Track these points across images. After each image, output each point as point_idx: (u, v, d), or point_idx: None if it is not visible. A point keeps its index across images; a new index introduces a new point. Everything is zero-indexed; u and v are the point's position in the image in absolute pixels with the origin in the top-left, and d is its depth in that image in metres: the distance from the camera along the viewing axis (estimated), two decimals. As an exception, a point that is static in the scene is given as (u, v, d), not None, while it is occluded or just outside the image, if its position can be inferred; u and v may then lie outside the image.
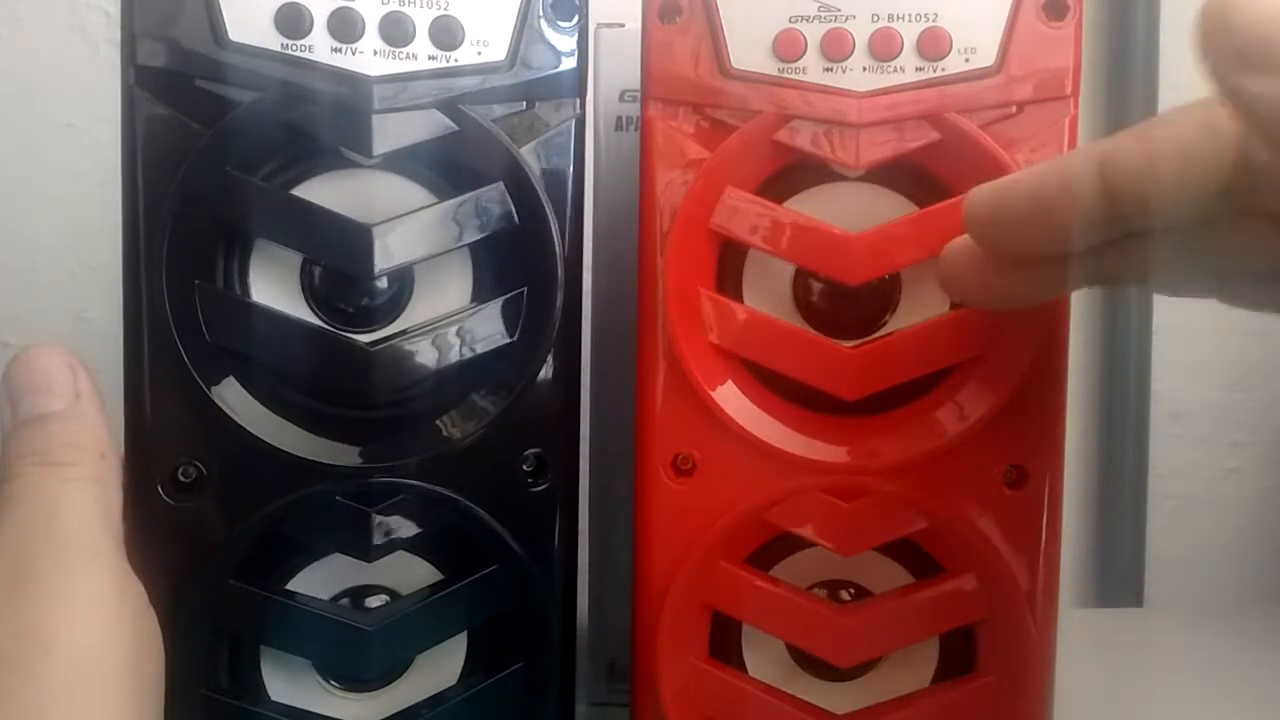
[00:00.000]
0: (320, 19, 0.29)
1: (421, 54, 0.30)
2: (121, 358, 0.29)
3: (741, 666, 0.33)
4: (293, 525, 0.30)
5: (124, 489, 0.30)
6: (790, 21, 0.30)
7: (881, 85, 0.30)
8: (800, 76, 0.30)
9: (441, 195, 0.31)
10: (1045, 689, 0.31)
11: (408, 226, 0.30)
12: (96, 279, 0.54)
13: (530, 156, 0.31)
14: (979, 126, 0.30)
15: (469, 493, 0.31)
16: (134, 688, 0.27)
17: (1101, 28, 0.57)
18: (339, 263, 0.30)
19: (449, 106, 0.30)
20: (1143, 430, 0.57)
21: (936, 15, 0.30)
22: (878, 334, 0.31)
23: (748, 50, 0.30)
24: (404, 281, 0.31)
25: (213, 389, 0.29)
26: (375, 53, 0.29)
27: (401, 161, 0.30)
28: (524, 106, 0.31)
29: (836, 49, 0.30)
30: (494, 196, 0.30)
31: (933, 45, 0.30)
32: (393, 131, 0.30)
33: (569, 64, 0.31)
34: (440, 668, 0.32)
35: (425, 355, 0.30)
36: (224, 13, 0.29)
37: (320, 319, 0.31)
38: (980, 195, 0.27)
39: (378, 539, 0.30)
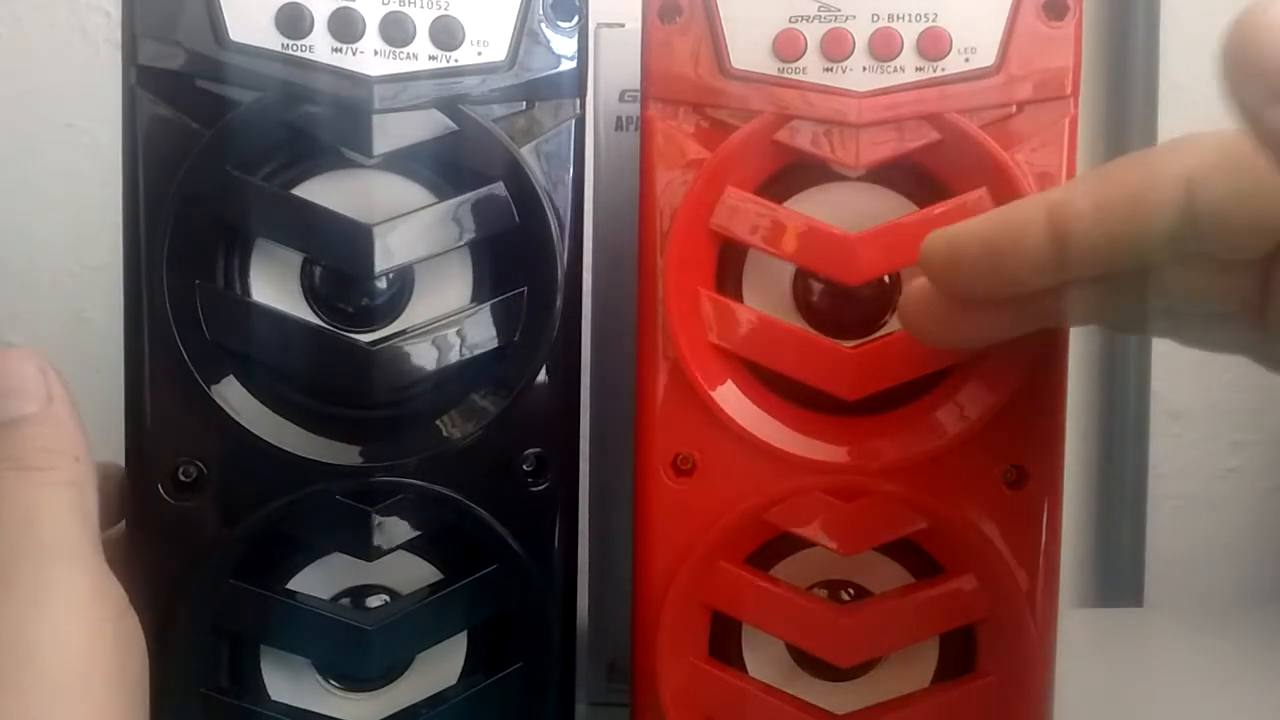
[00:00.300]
0: (321, 19, 0.29)
1: (422, 54, 0.30)
2: (122, 358, 0.29)
3: (741, 666, 0.32)
4: (293, 525, 0.30)
5: (124, 489, 0.30)
6: (790, 21, 0.30)
7: (881, 85, 0.30)
8: (800, 76, 0.30)
9: (442, 195, 0.31)
10: (1045, 689, 0.31)
11: (408, 226, 0.30)
12: (96, 279, 0.54)
13: (530, 156, 0.31)
14: (979, 126, 0.30)
15: (469, 492, 0.31)
16: (117, 690, 0.27)
17: (1101, 28, 0.56)
18: (339, 262, 0.30)
19: (449, 106, 0.30)
20: (1142, 430, 0.57)
21: (936, 15, 0.30)
22: (878, 334, 0.31)
23: (748, 50, 0.30)
24: (404, 281, 0.31)
25: (213, 388, 0.29)
26: (376, 53, 0.29)
27: (402, 161, 0.30)
28: (524, 106, 0.31)
29: (836, 49, 0.30)
30: (494, 196, 0.30)
31: (933, 45, 0.30)
32: (393, 131, 0.30)
33: (569, 64, 0.31)
34: (440, 668, 0.32)
35: (425, 355, 0.30)
36: (224, 13, 0.29)
37: (320, 319, 0.31)
38: (935, 240, 0.27)
39: (378, 539, 0.30)
